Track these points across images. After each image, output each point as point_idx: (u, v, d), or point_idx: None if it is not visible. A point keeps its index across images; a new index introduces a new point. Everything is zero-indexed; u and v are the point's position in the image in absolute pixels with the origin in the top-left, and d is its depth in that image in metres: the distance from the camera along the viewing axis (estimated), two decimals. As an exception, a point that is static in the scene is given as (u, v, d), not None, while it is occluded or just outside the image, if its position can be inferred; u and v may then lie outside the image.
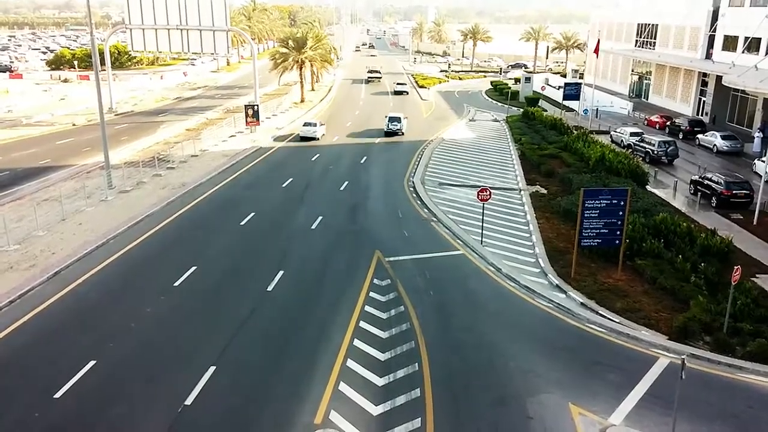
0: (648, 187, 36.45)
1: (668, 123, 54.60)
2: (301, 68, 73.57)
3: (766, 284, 23.90)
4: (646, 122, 58.22)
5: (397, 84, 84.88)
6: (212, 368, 18.10)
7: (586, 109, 59.41)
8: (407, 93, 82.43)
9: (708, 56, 57.43)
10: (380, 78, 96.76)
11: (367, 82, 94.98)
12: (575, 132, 49.20)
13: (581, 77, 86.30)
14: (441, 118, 64.83)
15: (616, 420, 16.26)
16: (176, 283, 23.89)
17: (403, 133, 53.91)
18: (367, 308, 22.13)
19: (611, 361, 18.82)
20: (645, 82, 70.76)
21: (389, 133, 53.76)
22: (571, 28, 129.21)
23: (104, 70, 65.44)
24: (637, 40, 71.75)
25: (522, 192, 37.08)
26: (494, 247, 27.86)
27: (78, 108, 66.59)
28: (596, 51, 61.75)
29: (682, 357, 14.23)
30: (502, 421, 16.23)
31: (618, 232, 24.32)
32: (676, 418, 14.41)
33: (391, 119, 54.49)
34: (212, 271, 25.15)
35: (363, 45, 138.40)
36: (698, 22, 58.88)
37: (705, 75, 57.65)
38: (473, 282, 24.63)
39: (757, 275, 24.73)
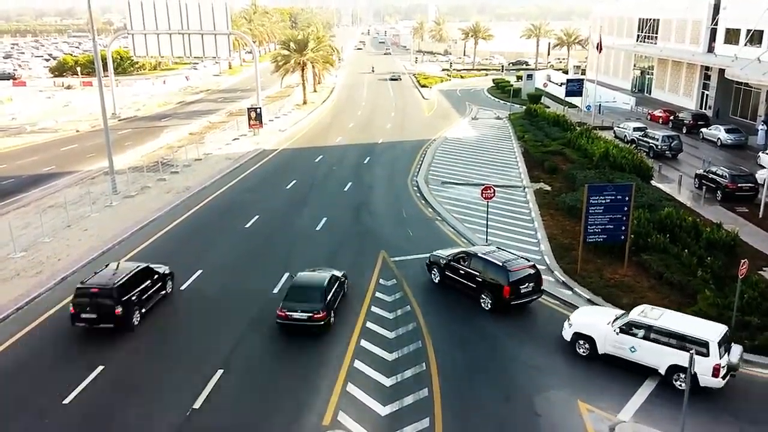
0: (652, 182, 36.35)
1: (671, 117, 54.45)
2: (302, 70, 73.63)
3: (773, 277, 23.79)
4: (649, 117, 58.07)
5: (392, 73, 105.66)
6: (220, 371, 18.14)
7: (589, 105, 59.32)
8: (401, 78, 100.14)
9: (710, 50, 57.24)
10: (365, 44, 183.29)
11: (357, 48, 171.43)
12: (578, 128, 49.10)
13: (583, 73, 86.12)
14: (443, 117, 64.82)
15: (625, 416, 16.23)
16: (182, 287, 23.94)
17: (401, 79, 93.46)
18: (374, 308, 22.14)
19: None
20: (647, 76, 70.57)
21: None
22: (572, 24, 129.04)
23: (107, 75, 65.58)
24: (638, 35, 71.57)
25: (526, 189, 37.03)
26: (500, 245, 27.75)
27: (81, 114, 66.83)
28: (599, 48, 61.35)
29: (691, 352, 14.17)
30: (511, 418, 16.22)
31: (623, 228, 24.27)
32: (685, 413, 14.36)
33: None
34: (218, 275, 25.20)
35: (361, 42, 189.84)
36: (700, 16, 58.69)
37: (707, 68, 57.44)
38: (479, 280, 24.56)
39: (764, 268, 24.64)
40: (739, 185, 32.99)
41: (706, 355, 16.64)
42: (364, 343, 19.79)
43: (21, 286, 23.89)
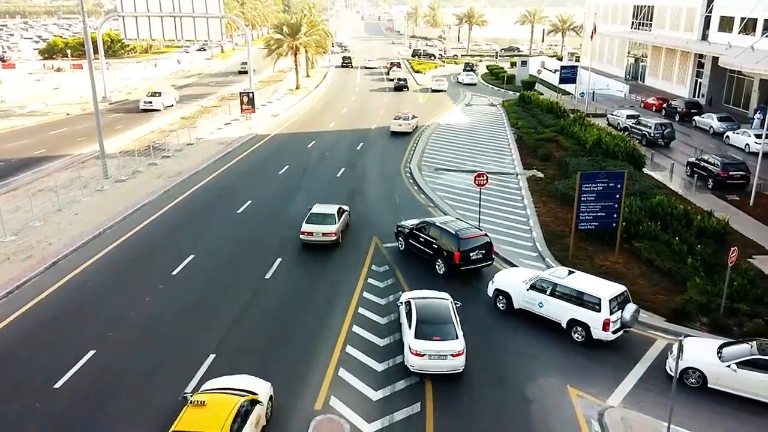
0: (645, 170, 36.43)
1: (665, 105, 54.49)
2: (295, 54, 73.12)
3: (762, 265, 24.00)
4: (642, 104, 58.09)
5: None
6: (212, 356, 18.15)
7: (583, 92, 59.23)
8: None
9: (704, 37, 57.20)
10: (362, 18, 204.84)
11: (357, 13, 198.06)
12: (572, 115, 49.08)
13: (577, 60, 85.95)
14: (437, 103, 64.59)
15: (615, 401, 16.39)
16: (174, 272, 23.88)
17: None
18: (366, 294, 22.18)
19: (609, 343, 18.89)
20: (641, 64, 70.52)
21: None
22: (567, 11, 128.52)
23: (97, 58, 64.84)
24: (633, 22, 71.39)
25: (519, 176, 37.05)
26: (491, 232, 27.68)
27: (72, 97, 66.15)
28: (593, 34, 61.04)
29: (680, 338, 14.29)
30: (502, 404, 16.33)
31: (615, 215, 24.37)
32: (674, 399, 14.51)
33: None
34: (210, 260, 25.14)
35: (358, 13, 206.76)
36: (694, 3, 58.56)
37: (701, 56, 57.46)
38: (471, 267, 24.62)
39: (753, 256, 24.83)
40: (730, 173, 33.14)
41: (598, 310, 18.42)
42: (356, 328, 19.84)
43: (11, 270, 23.75)
